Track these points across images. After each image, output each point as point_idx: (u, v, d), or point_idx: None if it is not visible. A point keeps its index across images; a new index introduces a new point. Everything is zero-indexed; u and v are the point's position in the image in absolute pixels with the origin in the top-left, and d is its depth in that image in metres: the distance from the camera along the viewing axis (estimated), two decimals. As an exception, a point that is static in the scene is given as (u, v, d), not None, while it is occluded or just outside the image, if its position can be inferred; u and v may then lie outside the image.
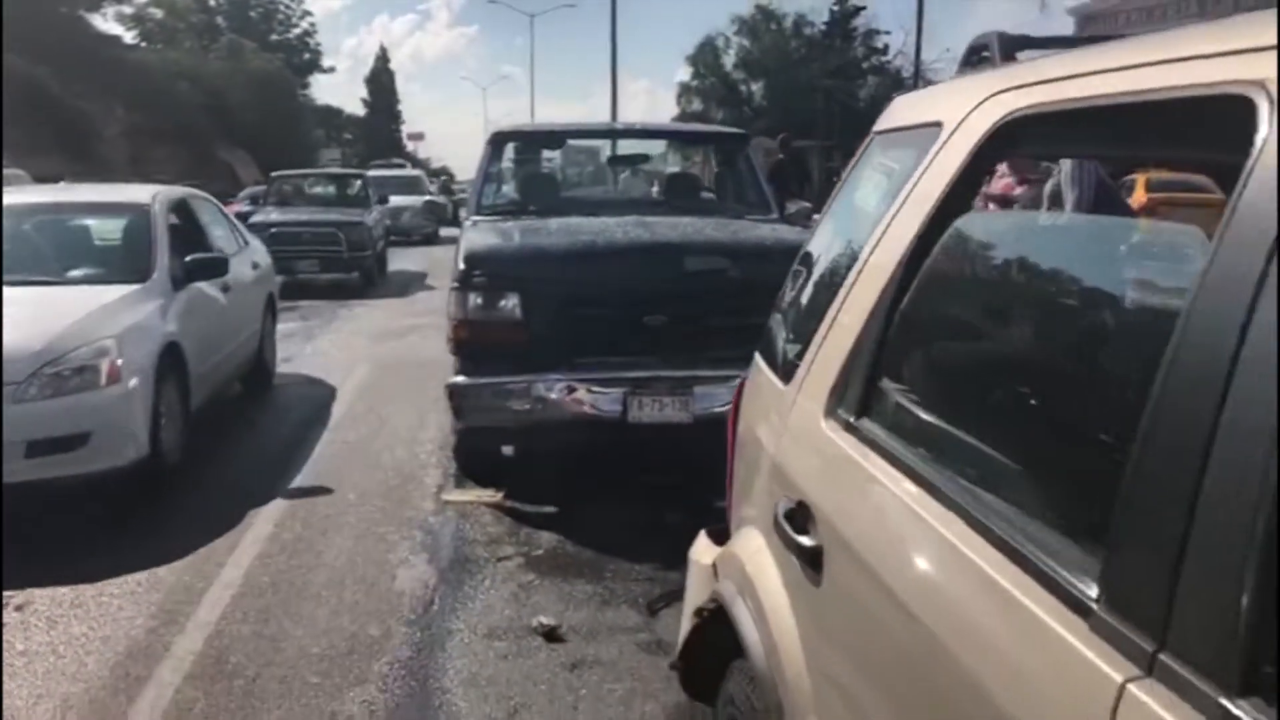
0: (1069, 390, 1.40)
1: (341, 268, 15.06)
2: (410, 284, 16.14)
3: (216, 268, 6.65)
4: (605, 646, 3.86)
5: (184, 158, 40.82)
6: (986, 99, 1.69)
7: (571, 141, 9.51)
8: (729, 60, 58.03)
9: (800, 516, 1.78)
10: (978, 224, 1.71)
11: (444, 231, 24.78)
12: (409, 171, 30.21)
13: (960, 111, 1.75)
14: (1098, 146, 1.33)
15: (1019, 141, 1.63)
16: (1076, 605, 1.12)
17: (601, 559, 4.70)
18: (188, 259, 6.44)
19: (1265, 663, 0.87)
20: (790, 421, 1.98)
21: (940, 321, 1.76)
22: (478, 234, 6.05)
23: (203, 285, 6.60)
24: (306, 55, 62.82)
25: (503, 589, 4.42)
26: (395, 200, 21.91)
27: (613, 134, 7.74)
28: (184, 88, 42.84)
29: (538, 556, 4.79)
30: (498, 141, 7.12)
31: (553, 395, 5.32)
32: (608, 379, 5.33)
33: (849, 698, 1.62)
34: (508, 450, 6.14)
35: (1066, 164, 4.79)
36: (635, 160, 7.81)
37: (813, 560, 1.71)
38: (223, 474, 6.11)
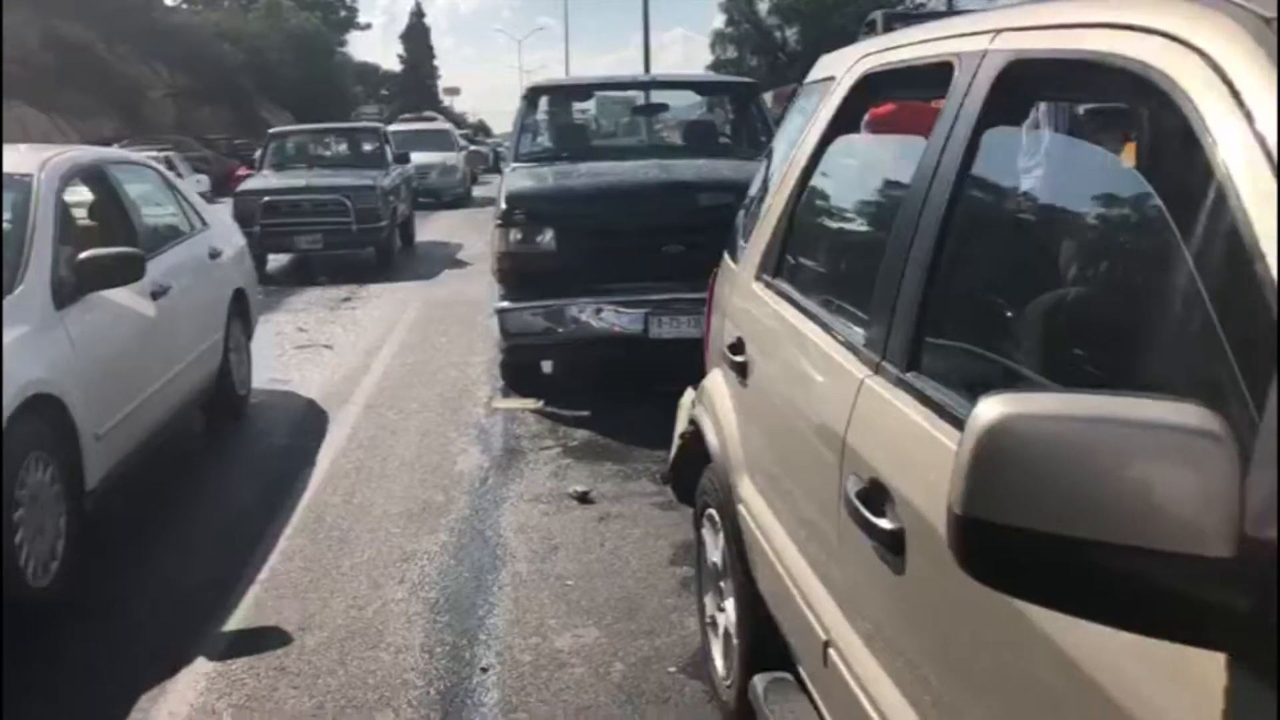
0: (878, 253, 2.23)
1: (351, 242, 12.60)
2: (439, 261, 13.54)
3: (125, 269, 4.55)
4: (627, 505, 4.77)
5: (227, 117, 42.04)
6: (859, 60, 2.54)
7: (601, 93, 10.39)
8: (763, 7, 57.91)
9: (737, 344, 2.67)
10: (846, 148, 2.54)
11: (478, 192, 23.59)
12: (437, 125, 27.23)
13: (843, 69, 2.60)
14: (925, 94, 2.05)
15: (877, 90, 2.47)
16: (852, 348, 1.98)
17: (626, 447, 5.60)
18: (81, 258, 4.38)
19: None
20: (737, 285, 2.87)
21: (818, 214, 2.62)
22: (516, 178, 6.94)
23: (111, 294, 4.55)
24: (343, 12, 63.69)
25: (544, 469, 5.35)
26: (420, 157, 19.78)
27: (636, 85, 8.59)
28: (225, 48, 43.88)
29: (573, 446, 5.71)
30: (532, 95, 7.99)
31: (583, 316, 6.22)
32: (631, 301, 6.21)
33: (765, 463, 2.52)
34: (547, 368, 7.07)
35: (1042, 105, 5.57)
36: (656, 109, 8.64)
37: (741, 370, 2.60)
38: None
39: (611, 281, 6.28)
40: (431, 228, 17.13)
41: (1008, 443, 0.97)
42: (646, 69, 31.32)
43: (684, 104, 9.57)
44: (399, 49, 76.62)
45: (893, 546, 1.60)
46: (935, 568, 1.47)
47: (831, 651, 1.89)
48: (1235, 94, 1.14)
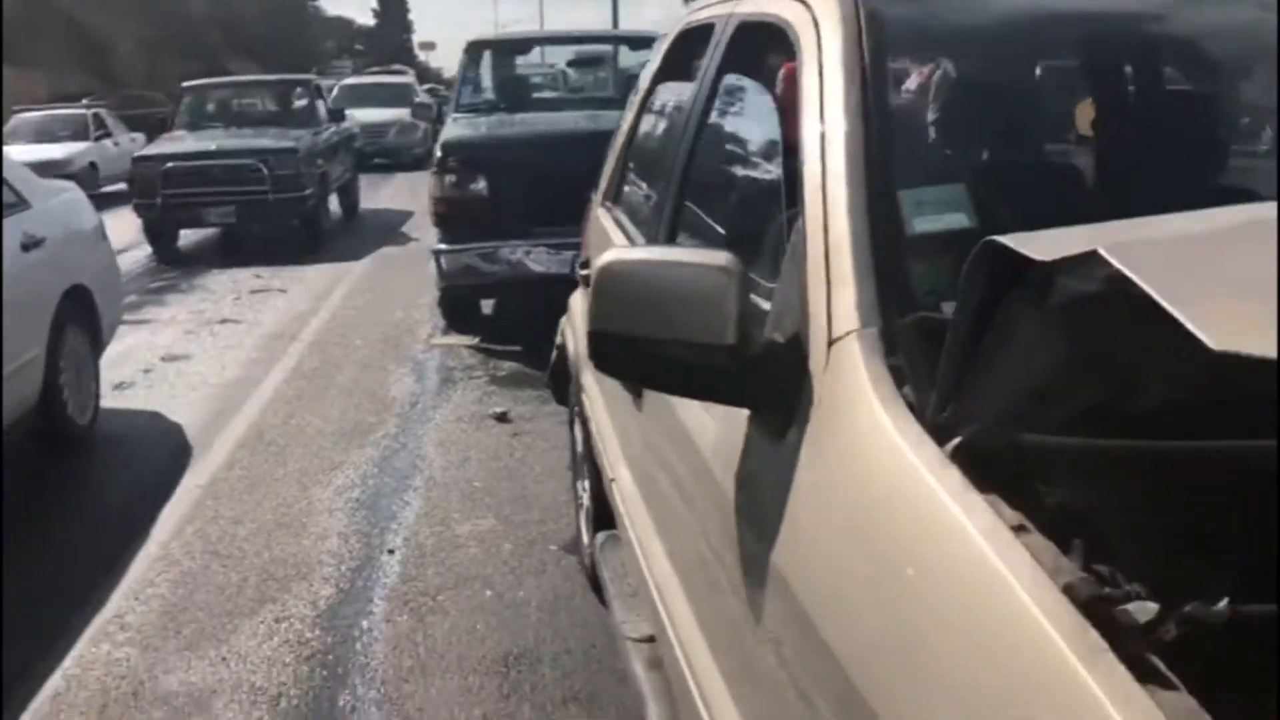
0: (661, 173, 2.71)
1: (269, 215, 10.73)
2: (380, 236, 11.54)
3: None
4: (539, 424, 5.28)
5: (196, 72, 41.78)
6: (684, 19, 3.02)
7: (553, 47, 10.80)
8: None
9: (585, 262, 3.17)
10: (666, 89, 3.02)
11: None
12: (395, 78, 25.48)
13: (672, 26, 3.08)
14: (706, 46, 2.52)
15: (687, 44, 2.94)
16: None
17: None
18: None
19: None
20: (593, 213, 3.36)
21: (637, 147, 3.11)
22: (454, 127, 7.39)
23: None
24: (314, -35, 63.14)
25: (471, 395, 5.85)
26: (374, 115, 18.68)
27: (571, 40, 9.02)
28: (193, 0, 43.64)
29: (500, 376, 6.20)
30: (473, 49, 8.42)
31: (514, 257, 6.70)
32: (559, 244, 6.68)
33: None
34: (487, 309, 7.56)
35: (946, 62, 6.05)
36: (592, 63, 9.08)
37: (586, 282, 3.11)
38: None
39: (541, 225, 6.74)
40: (384, 194, 15.31)
41: (612, 279, 1.47)
42: (615, 24, 31.59)
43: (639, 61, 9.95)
44: (372, 2, 76.05)
45: (638, 391, 2.11)
46: (656, 400, 1.98)
47: (614, 485, 2.40)
48: (818, 30, 1.65)
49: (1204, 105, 2.31)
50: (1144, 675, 0.83)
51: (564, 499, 4.29)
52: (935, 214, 1.46)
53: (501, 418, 5.38)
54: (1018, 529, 0.99)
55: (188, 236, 11.48)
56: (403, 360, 6.59)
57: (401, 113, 19.04)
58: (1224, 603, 0.90)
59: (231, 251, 11.03)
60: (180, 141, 11.47)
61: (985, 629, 0.95)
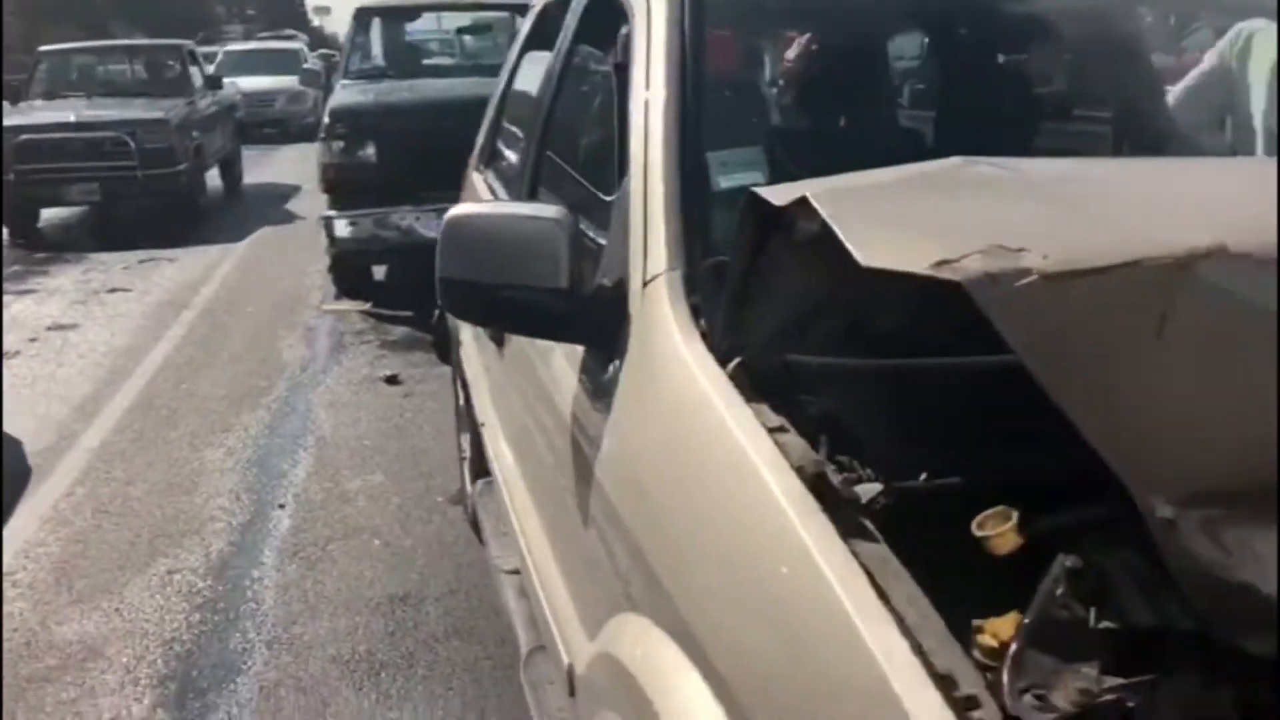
0: (544, 139, 2.89)
1: (138, 192, 9.94)
2: (267, 211, 10.91)
3: None
4: (430, 385, 5.42)
5: (76, 36, 40.41)
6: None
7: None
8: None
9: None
10: (532, 58, 3.18)
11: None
12: (283, 44, 24.27)
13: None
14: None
15: (553, 15, 3.11)
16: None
17: (439, 338, 6.25)
18: None
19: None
20: (469, 176, 3.53)
21: (510, 112, 3.29)
22: (342, 94, 7.41)
23: None
24: (200, -75, 61.07)
25: (362, 359, 5.96)
26: (260, 83, 17.85)
27: (461, 7, 9.06)
28: (73, -38, 42.05)
29: (391, 340, 6.32)
30: (362, 16, 8.42)
31: (405, 223, 6.79)
32: (447, 209, 6.80)
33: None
34: (380, 275, 7.64)
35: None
36: (479, 30, 9.14)
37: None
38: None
39: (431, 190, 6.84)
40: (270, 167, 14.31)
41: (457, 230, 1.65)
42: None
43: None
44: (262, -36, 73.91)
45: (499, 340, 2.30)
46: (513, 347, 2.17)
47: (483, 430, 2.60)
48: (648, 2, 1.85)
49: (1018, 74, 2.58)
50: (851, 531, 1.05)
51: (452, 455, 4.44)
52: (736, 173, 1.67)
53: (392, 380, 5.51)
54: (775, 429, 1.21)
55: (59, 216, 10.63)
56: (294, 326, 6.66)
57: (290, 81, 18.16)
58: (923, 477, 1.14)
59: (100, 234, 9.95)
60: (36, 112, 10.38)
61: (740, 508, 1.17)
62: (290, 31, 35.19)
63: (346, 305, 7.13)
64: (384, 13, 8.66)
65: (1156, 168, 1.67)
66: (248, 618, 3.24)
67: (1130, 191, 1.27)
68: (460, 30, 9.49)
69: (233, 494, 4.14)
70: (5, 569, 3.56)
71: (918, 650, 0.91)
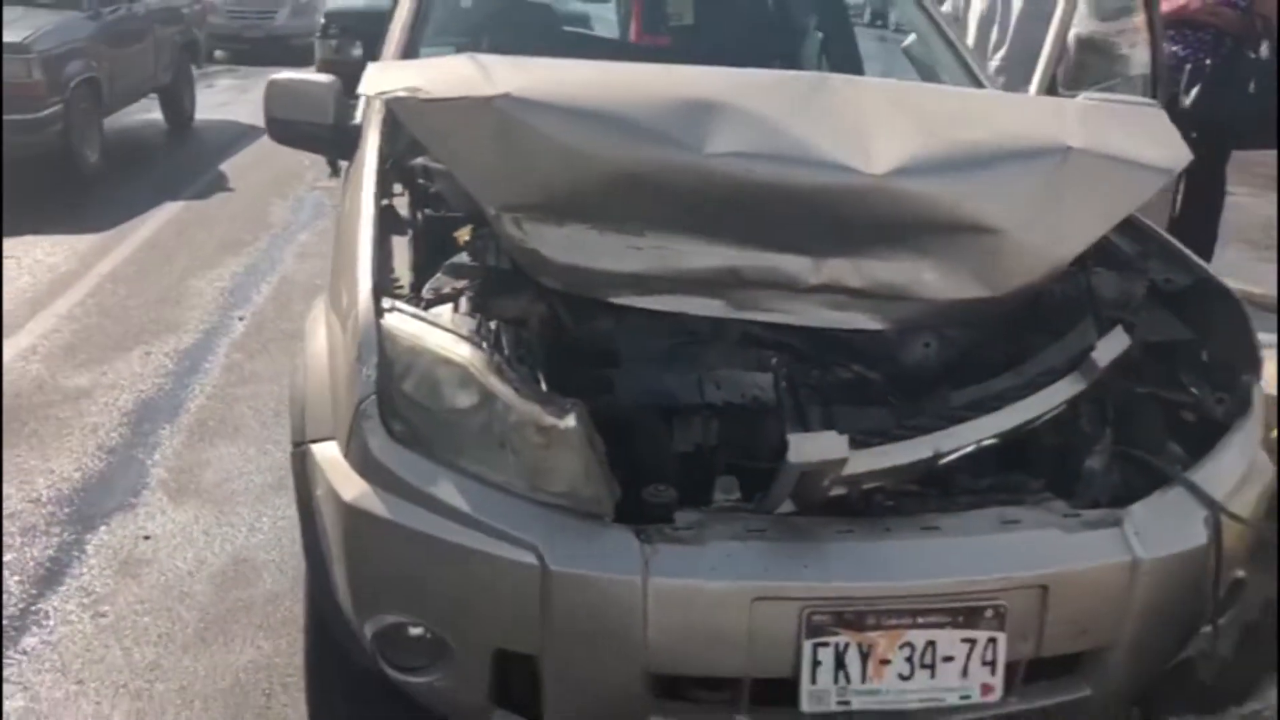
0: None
1: None
2: (199, 170, 8.44)
3: None
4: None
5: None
6: None
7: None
8: None
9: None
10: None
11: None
12: None
13: None
14: None
15: None
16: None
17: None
18: None
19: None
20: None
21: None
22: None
23: None
24: None
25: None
26: None
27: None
28: None
29: (365, 211, 7.47)
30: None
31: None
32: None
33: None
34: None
35: None
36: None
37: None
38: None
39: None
40: (249, 100, 10.41)
41: (279, 87, 2.78)
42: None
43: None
44: None
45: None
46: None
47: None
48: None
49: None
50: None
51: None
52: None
53: (354, 239, 6.67)
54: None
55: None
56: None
57: None
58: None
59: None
60: None
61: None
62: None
63: (335, 183, 8.26)
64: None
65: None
66: (197, 382, 4.45)
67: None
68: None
69: (206, 309, 5.34)
70: (30, 345, 4.79)
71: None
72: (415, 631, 1.85)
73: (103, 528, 3.31)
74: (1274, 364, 2.42)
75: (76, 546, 3.21)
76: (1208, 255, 4.98)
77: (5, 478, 3.57)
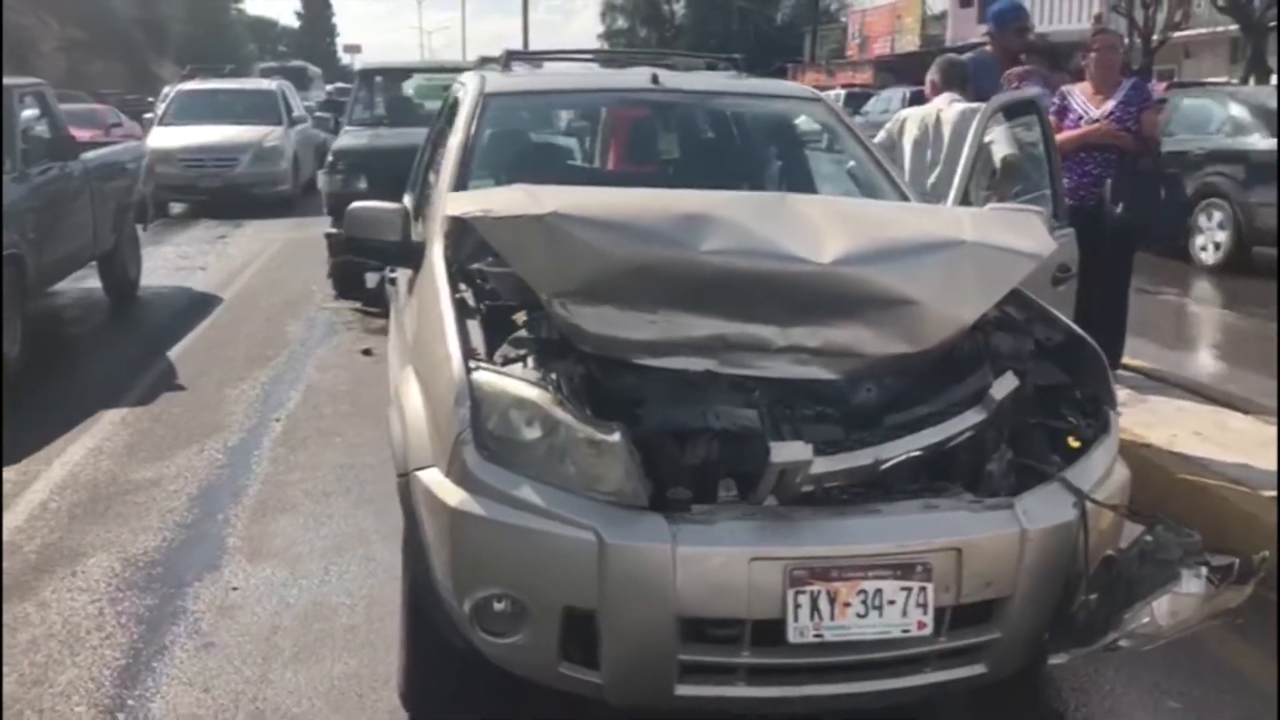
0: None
1: None
2: (130, 368, 7.01)
3: None
4: (394, 355, 7.29)
5: (119, 72, 42.93)
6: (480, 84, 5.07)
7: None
8: (652, -20, 60.09)
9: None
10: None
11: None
12: (256, 84, 18.07)
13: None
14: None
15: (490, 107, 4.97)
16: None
17: (408, 326, 8.12)
18: None
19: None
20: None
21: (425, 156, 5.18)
22: (345, 137, 9.42)
23: None
24: (237, -34, 63.90)
25: (347, 338, 7.86)
26: (212, 136, 14.18)
27: (439, 70, 11.10)
28: (116, 0, 44.64)
29: (373, 328, 8.19)
30: (365, 74, 10.46)
31: (389, 239, 8.72)
32: (424, 229, 8.74)
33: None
34: (372, 282, 9.55)
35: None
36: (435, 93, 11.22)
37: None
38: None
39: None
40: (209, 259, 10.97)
41: (355, 213, 3.53)
42: (525, 45, 33.74)
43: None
44: (296, 4, 76.99)
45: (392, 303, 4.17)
46: (401, 299, 4.06)
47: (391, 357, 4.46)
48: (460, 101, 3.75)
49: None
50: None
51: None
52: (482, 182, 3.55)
53: (366, 352, 7.38)
54: (457, 293, 3.07)
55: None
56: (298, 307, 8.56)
57: (260, 133, 14.54)
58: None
59: None
60: None
61: (428, 313, 3.01)
62: (301, 64, 34.24)
63: (342, 304, 9.03)
64: (382, 71, 10.68)
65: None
66: (247, 472, 5.10)
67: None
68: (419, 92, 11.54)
69: (245, 414, 6.01)
70: (105, 441, 5.42)
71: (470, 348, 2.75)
72: (500, 606, 2.51)
73: (195, 583, 3.93)
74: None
75: (178, 597, 3.82)
76: (1119, 339, 5.79)
77: (97, 550, 4.19)
